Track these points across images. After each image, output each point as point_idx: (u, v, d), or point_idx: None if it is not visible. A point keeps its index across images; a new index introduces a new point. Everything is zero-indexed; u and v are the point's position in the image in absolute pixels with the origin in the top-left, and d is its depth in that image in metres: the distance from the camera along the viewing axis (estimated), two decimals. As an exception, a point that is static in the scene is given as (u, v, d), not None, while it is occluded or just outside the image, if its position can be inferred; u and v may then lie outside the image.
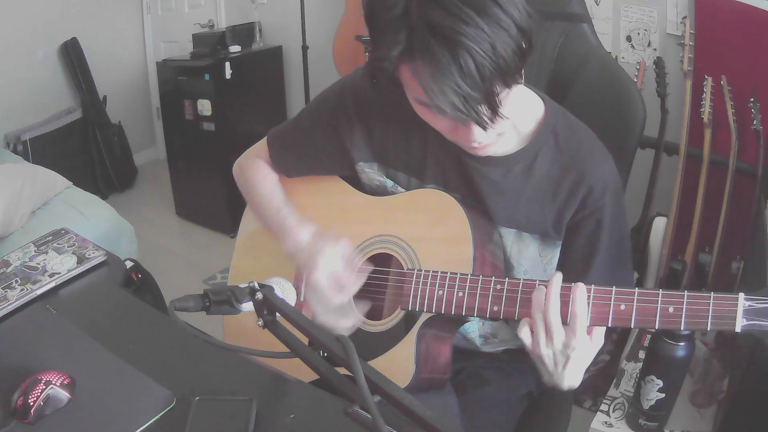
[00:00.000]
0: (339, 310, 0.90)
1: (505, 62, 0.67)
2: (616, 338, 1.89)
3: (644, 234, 1.90)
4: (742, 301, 0.66)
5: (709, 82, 1.75)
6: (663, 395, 1.14)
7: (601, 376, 1.80)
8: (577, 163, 0.86)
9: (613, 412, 1.31)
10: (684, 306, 0.69)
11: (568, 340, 0.73)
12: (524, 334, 0.76)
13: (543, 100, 0.89)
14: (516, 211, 0.89)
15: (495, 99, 0.69)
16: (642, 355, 1.47)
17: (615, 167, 0.88)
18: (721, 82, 1.75)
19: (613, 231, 0.87)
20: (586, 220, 0.86)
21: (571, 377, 0.77)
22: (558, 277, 0.75)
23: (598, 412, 1.31)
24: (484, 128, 0.73)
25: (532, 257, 0.90)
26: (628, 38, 2.12)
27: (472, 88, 0.66)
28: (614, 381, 1.40)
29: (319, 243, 0.92)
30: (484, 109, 0.69)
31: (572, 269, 0.88)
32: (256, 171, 1.07)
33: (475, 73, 0.65)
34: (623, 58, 2.14)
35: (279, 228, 0.99)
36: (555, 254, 0.90)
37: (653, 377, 1.14)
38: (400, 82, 0.75)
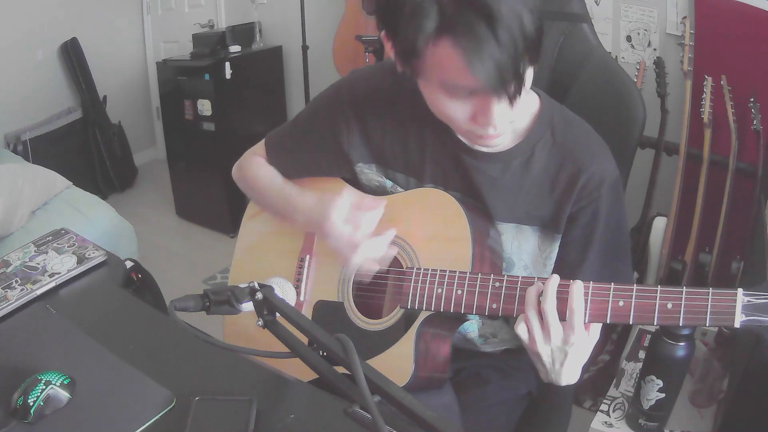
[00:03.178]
0: (369, 246, 0.90)
1: (531, 38, 0.68)
2: (616, 338, 1.90)
3: (644, 234, 1.90)
4: (741, 296, 0.66)
5: (709, 82, 1.75)
6: (663, 395, 1.14)
7: (601, 376, 1.80)
8: (574, 155, 0.86)
9: (613, 412, 1.31)
10: (683, 302, 0.69)
11: (566, 336, 0.74)
12: (521, 330, 0.76)
13: (538, 95, 0.90)
14: (515, 205, 0.89)
15: (523, 74, 0.70)
16: (642, 355, 1.47)
17: (612, 159, 0.88)
18: (721, 82, 1.76)
19: (609, 223, 0.87)
20: (583, 212, 0.87)
21: (569, 374, 0.77)
22: (555, 277, 0.75)
23: (598, 412, 1.31)
24: (512, 104, 0.73)
25: (531, 251, 0.91)
26: (628, 38, 2.12)
27: (507, 59, 0.67)
28: (614, 381, 1.40)
29: (327, 197, 0.93)
30: (513, 84, 0.70)
31: (568, 260, 0.89)
32: (256, 164, 1.08)
33: (509, 45, 0.67)
34: (623, 58, 2.14)
35: (287, 204, 1.00)
36: (554, 249, 0.90)
37: (653, 377, 1.14)
38: (420, 72, 0.75)
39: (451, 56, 0.69)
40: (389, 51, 0.80)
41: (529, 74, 0.73)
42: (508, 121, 0.78)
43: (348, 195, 0.93)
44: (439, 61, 0.71)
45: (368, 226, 0.90)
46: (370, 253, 0.90)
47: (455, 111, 0.78)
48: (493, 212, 0.90)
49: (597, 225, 0.87)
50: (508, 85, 0.70)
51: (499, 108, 0.74)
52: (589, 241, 0.87)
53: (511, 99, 0.72)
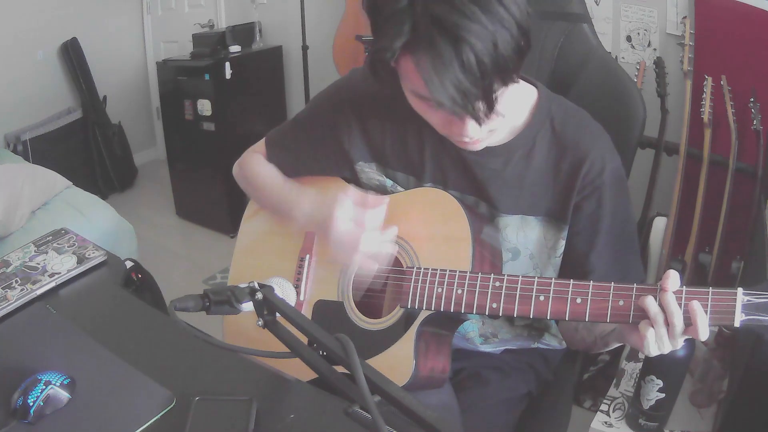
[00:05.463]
0: (370, 242, 0.88)
1: (505, 60, 0.67)
2: (616, 338, 1.89)
3: (644, 234, 1.90)
4: (741, 296, 0.66)
5: (709, 82, 1.75)
6: (663, 395, 1.14)
7: (601, 376, 1.80)
8: (574, 144, 0.87)
9: (613, 412, 1.30)
10: (682, 301, 0.69)
11: (676, 343, 0.72)
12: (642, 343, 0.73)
13: (536, 87, 0.90)
14: (519, 197, 0.90)
15: (492, 95, 0.70)
16: (642, 355, 1.46)
17: (612, 146, 0.88)
18: (721, 82, 1.76)
19: (615, 210, 0.87)
20: (587, 200, 0.87)
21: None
22: (674, 279, 0.69)
23: (598, 412, 1.31)
24: (479, 123, 0.73)
25: (536, 240, 0.91)
26: (628, 38, 2.12)
27: (471, 83, 0.67)
28: (614, 381, 1.40)
29: (329, 195, 0.92)
30: (480, 105, 0.70)
31: (577, 251, 0.89)
32: (257, 161, 1.08)
33: (475, 68, 0.66)
34: (623, 58, 2.14)
35: (287, 201, 0.99)
36: (559, 239, 0.90)
37: (653, 377, 1.14)
38: (398, 75, 0.75)
39: (415, 72, 0.69)
40: None
41: (507, 91, 0.73)
42: (487, 131, 0.78)
43: (350, 192, 0.92)
44: (407, 72, 0.72)
45: (373, 223, 0.89)
46: (372, 249, 0.88)
47: (430, 118, 0.79)
48: (498, 205, 0.90)
49: (603, 213, 0.87)
50: (473, 106, 0.69)
51: (472, 122, 0.74)
52: (595, 230, 0.88)
53: (479, 119, 0.72)
